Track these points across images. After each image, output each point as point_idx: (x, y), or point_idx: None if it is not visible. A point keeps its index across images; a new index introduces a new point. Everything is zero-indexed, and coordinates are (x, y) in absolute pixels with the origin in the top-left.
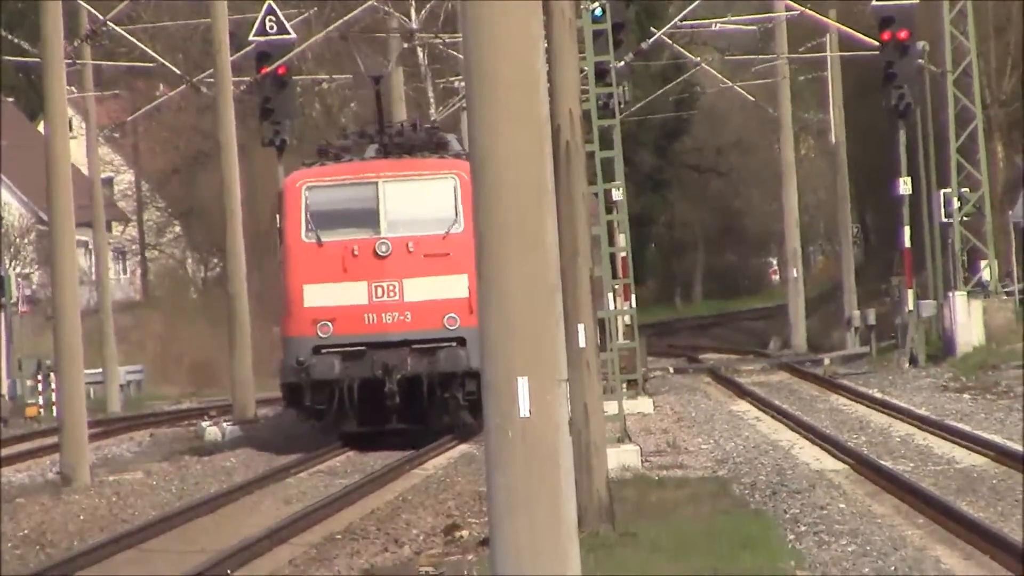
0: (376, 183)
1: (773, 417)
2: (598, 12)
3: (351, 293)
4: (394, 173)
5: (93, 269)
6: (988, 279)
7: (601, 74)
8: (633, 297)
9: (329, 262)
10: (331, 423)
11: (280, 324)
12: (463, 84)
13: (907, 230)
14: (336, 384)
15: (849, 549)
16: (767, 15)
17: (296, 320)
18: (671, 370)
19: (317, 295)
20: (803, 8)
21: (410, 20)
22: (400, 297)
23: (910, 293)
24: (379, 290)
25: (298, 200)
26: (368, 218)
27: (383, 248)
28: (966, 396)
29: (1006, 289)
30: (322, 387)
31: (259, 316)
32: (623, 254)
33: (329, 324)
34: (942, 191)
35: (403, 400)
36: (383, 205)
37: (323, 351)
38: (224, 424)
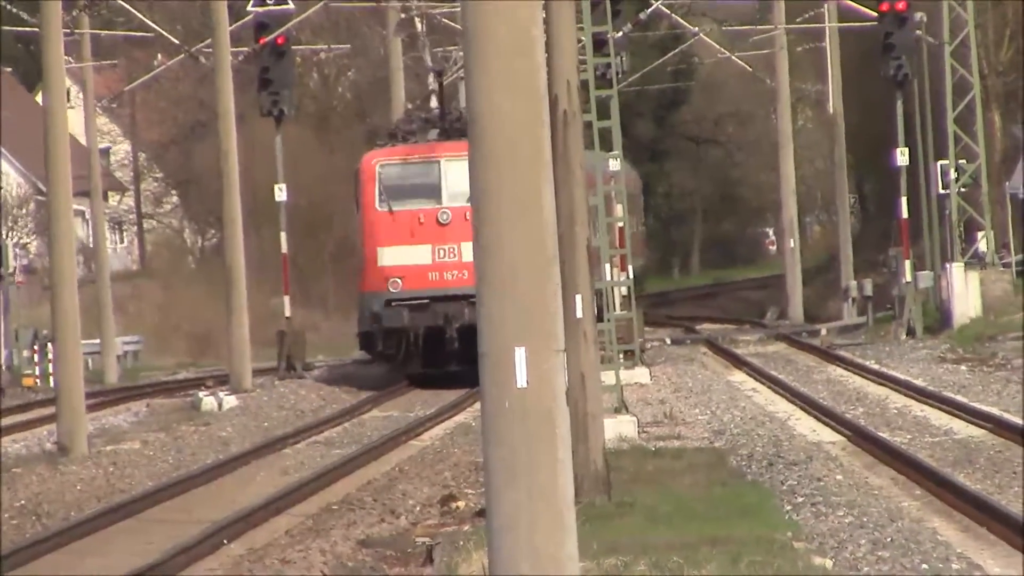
0: (438, 161)
1: (770, 388)
2: None
3: (418, 254)
4: (453, 153)
5: (91, 239)
6: (985, 250)
7: (599, 44)
8: (630, 268)
9: (399, 228)
10: (401, 363)
11: (357, 281)
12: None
13: (904, 201)
14: (404, 332)
15: (846, 520)
16: None
17: (371, 277)
18: (668, 340)
19: (389, 256)
20: None
21: None
22: (459, 258)
23: (907, 264)
24: (441, 252)
25: (373, 176)
26: (432, 191)
27: (444, 216)
28: (963, 367)
29: (1003, 260)
30: (392, 334)
31: (257, 285)
32: (620, 224)
33: (399, 280)
34: (939, 162)
35: (461, 346)
36: (444, 180)
37: (394, 304)
38: (221, 394)
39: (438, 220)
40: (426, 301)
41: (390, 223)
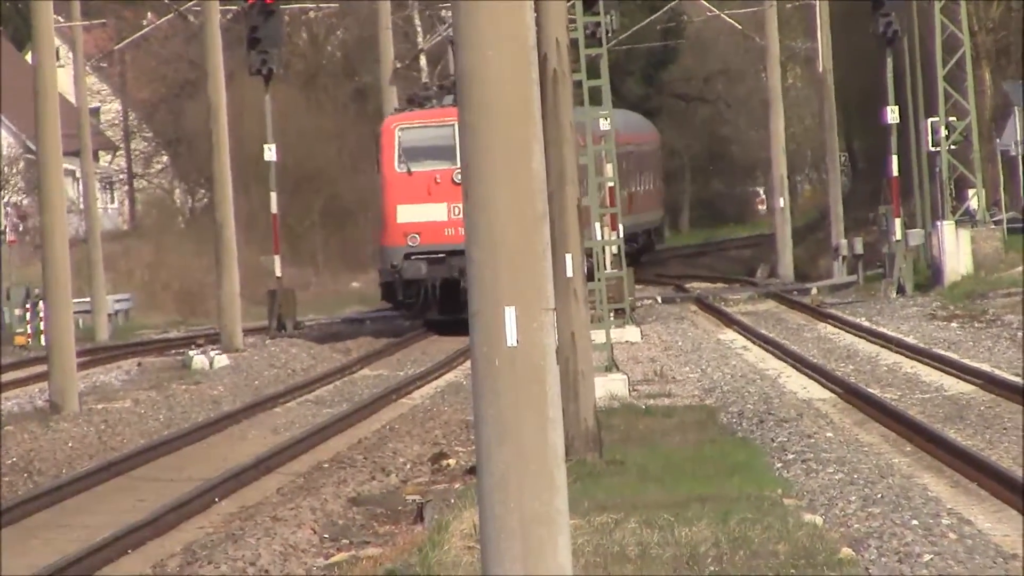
0: (453, 125)
1: (760, 346)
2: None
3: (434, 212)
4: None
5: (81, 198)
6: (976, 208)
7: (588, 3)
8: (620, 227)
9: (417, 187)
10: (419, 311)
11: (379, 237)
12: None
13: (895, 159)
14: (423, 283)
15: (836, 477)
16: None
17: (391, 233)
18: (659, 299)
19: (408, 213)
20: None
21: None
22: None
23: (898, 222)
24: (456, 210)
25: (392, 138)
26: (447, 153)
27: (459, 177)
28: (954, 324)
29: (994, 218)
30: (411, 285)
31: (246, 244)
32: (611, 184)
33: (417, 236)
34: (929, 119)
35: None
36: (459, 143)
37: (412, 257)
38: (212, 353)
39: (453, 180)
40: (442, 255)
41: (408, 182)
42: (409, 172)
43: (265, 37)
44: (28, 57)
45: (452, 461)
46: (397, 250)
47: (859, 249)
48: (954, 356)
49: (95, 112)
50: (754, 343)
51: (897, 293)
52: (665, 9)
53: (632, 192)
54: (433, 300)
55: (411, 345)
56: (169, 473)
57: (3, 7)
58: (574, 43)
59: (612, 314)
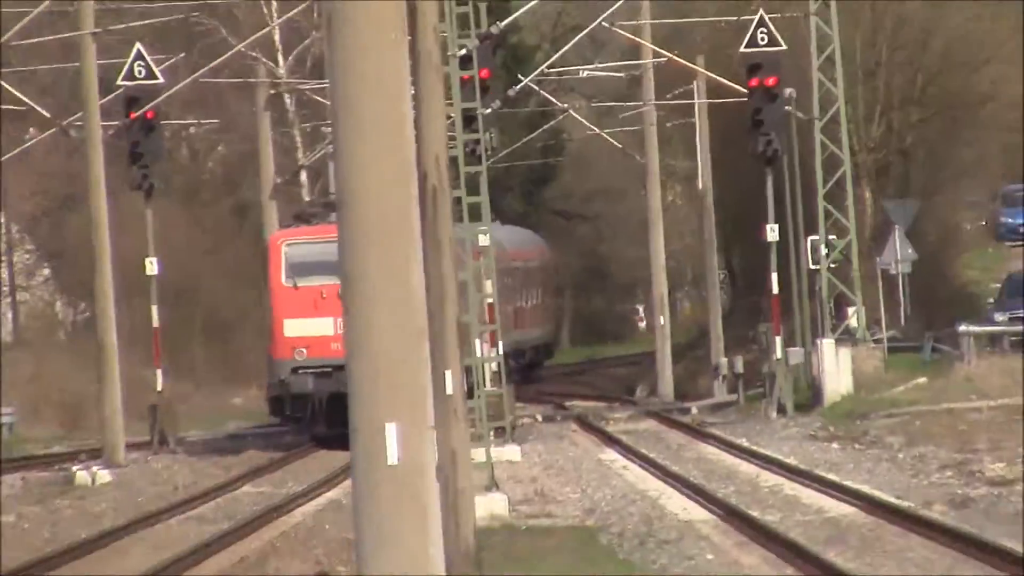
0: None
1: (641, 466)
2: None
3: (321, 326)
4: None
5: None
6: (856, 326)
7: (468, 120)
8: (500, 344)
9: (304, 302)
10: (306, 426)
11: (267, 350)
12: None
13: (775, 276)
14: (310, 397)
15: None
16: (634, 62)
17: (279, 346)
18: (539, 417)
19: (295, 327)
20: (670, 55)
21: (278, 66)
22: None
23: (778, 340)
24: (342, 324)
25: (279, 253)
26: (333, 268)
27: None
28: (835, 445)
29: (874, 336)
30: (299, 399)
31: (128, 357)
32: (490, 300)
33: (304, 350)
34: (810, 237)
35: None
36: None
37: (299, 371)
38: (95, 468)
39: (339, 295)
40: (329, 369)
41: (295, 297)
42: (296, 287)
43: (146, 152)
44: None
45: None
46: (284, 364)
47: (739, 368)
48: (835, 478)
49: None
50: (635, 463)
51: (778, 413)
52: (545, 127)
53: (519, 307)
54: (320, 414)
55: (294, 462)
56: None
57: None
58: (454, 160)
59: (492, 432)
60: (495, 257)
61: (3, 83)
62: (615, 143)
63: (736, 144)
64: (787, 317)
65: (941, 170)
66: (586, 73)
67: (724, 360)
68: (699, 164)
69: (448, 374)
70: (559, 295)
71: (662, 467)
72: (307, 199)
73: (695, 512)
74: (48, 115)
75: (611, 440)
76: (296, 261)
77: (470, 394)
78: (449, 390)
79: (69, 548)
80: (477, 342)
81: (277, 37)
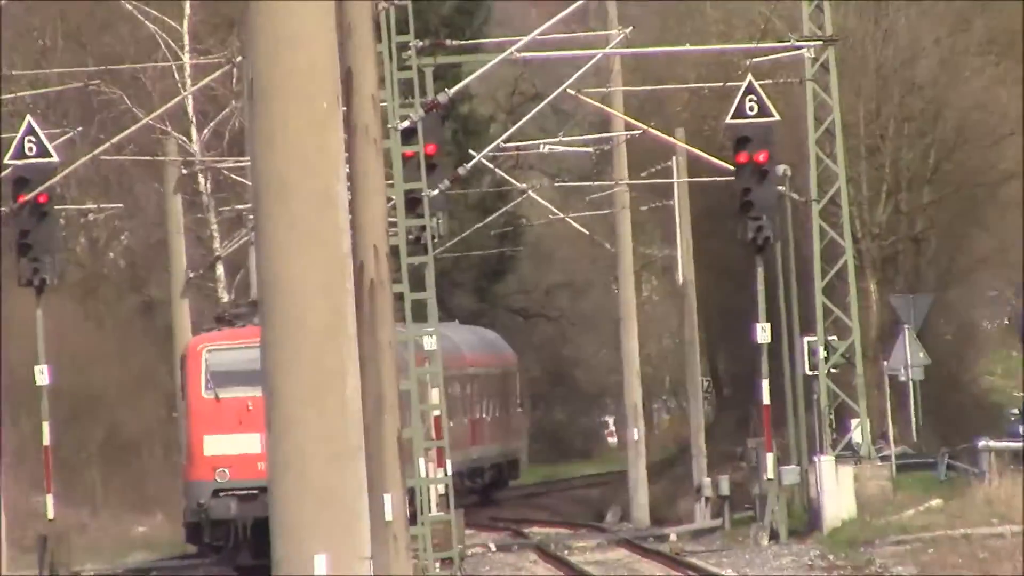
0: None
1: None
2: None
3: (246, 443)
4: None
5: None
6: (860, 441)
7: (412, 204)
8: (448, 463)
9: (226, 416)
10: (227, 557)
11: (183, 470)
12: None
13: (766, 383)
14: (232, 523)
15: None
16: (604, 135)
17: (197, 466)
18: (492, 547)
19: (216, 445)
20: (646, 127)
21: (190, 141)
22: None
23: (770, 457)
24: None
25: (198, 361)
26: (260, 377)
27: None
28: None
29: (881, 453)
30: (220, 525)
31: (15, 480)
32: (436, 413)
33: (226, 471)
34: (806, 339)
35: None
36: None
37: (221, 494)
38: None
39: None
40: (255, 492)
41: (217, 410)
42: (217, 399)
43: (37, 242)
44: None
45: None
46: (204, 486)
47: (725, 489)
48: None
49: None
50: None
51: (769, 540)
52: (501, 212)
53: (478, 420)
54: (245, 542)
55: None
56: None
57: None
58: (395, 250)
59: (439, 564)
60: (449, 362)
61: None
62: (581, 229)
63: (721, 230)
64: (780, 430)
65: (956, 260)
66: (548, 148)
67: (707, 480)
68: (679, 253)
69: (387, 497)
70: (524, 405)
71: None
72: (224, 297)
73: None
74: None
75: (576, 572)
76: (218, 370)
77: (413, 520)
78: (388, 516)
79: None
80: (421, 461)
81: (190, 107)
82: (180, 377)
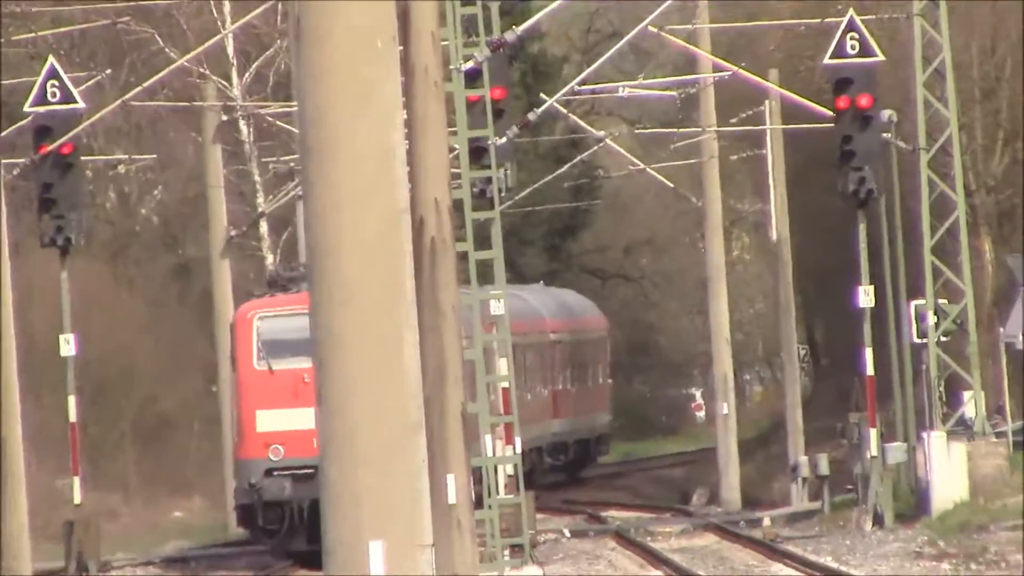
0: None
1: None
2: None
3: (301, 419)
4: None
5: None
6: (973, 415)
7: (477, 153)
8: (518, 440)
9: (280, 389)
10: (283, 540)
11: (233, 447)
12: (299, 167)
13: (869, 352)
14: (287, 505)
15: None
16: (689, 77)
17: (248, 444)
18: (566, 532)
19: (269, 420)
20: (735, 68)
21: (230, 86)
22: None
23: (873, 433)
24: None
25: (249, 330)
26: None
27: None
28: (945, 566)
29: (996, 429)
30: (274, 507)
31: (38, 462)
32: (505, 384)
33: (280, 448)
34: (914, 303)
35: None
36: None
37: (275, 473)
38: None
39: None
40: (311, 471)
41: (270, 383)
42: (270, 370)
43: (61, 197)
44: None
45: None
46: (256, 464)
47: (824, 468)
48: None
49: None
50: None
51: (873, 524)
52: (575, 162)
53: (559, 391)
54: (300, 526)
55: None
56: None
57: None
58: (458, 205)
59: (507, 551)
60: (528, 327)
61: None
62: (664, 181)
63: (819, 182)
64: (885, 404)
65: None
66: (627, 92)
67: (804, 459)
68: (772, 207)
69: (450, 479)
70: (613, 374)
71: None
72: (269, 257)
73: None
74: None
75: (659, 560)
76: (271, 339)
77: (479, 504)
78: (452, 499)
79: None
80: (488, 438)
81: (230, 47)
82: (230, 347)
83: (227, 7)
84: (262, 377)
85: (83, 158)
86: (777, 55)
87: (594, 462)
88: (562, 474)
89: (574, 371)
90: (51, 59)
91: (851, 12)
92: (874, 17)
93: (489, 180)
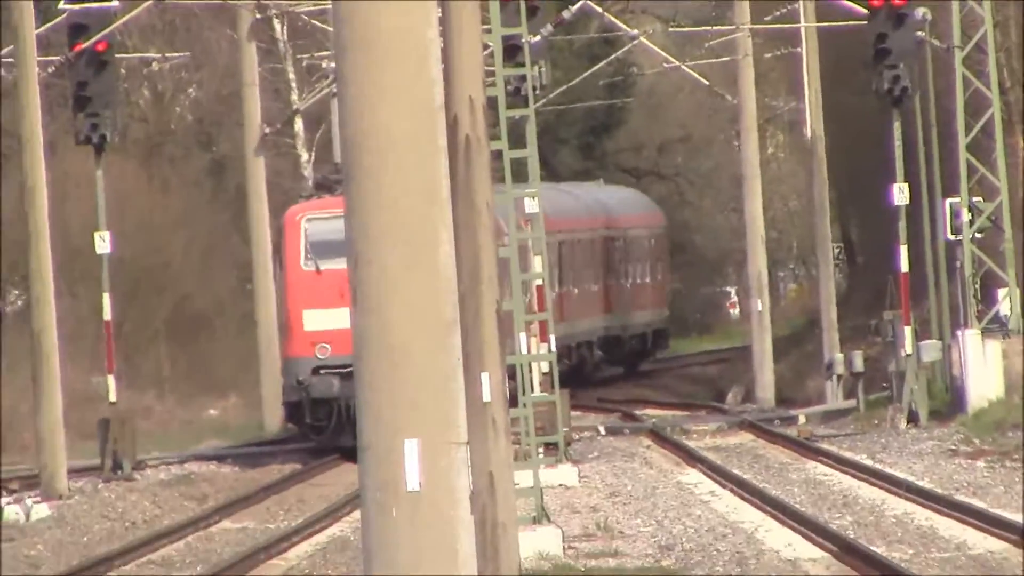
0: None
1: (733, 491)
2: None
3: (348, 318)
4: None
5: None
6: (1008, 313)
7: (511, 51)
8: (552, 338)
9: (327, 289)
10: (331, 435)
11: (281, 346)
12: (333, 63)
13: (904, 250)
14: (335, 402)
15: None
16: None
17: (296, 342)
18: (602, 430)
19: (316, 319)
20: None
21: None
22: None
23: (908, 331)
24: None
25: (297, 231)
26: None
27: None
28: (980, 464)
29: None
30: (322, 404)
31: (72, 359)
32: (539, 282)
33: (327, 346)
34: (948, 200)
35: None
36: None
37: (322, 371)
38: (28, 500)
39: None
40: None
41: (317, 283)
42: (318, 271)
43: (96, 96)
44: None
45: None
46: (304, 363)
47: (858, 366)
48: (981, 505)
49: None
50: (724, 487)
51: (908, 422)
52: (610, 59)
53: (610, 285)
54: (347, 422)
55: (285, 490)
56: None
57: None
58: (493, 102)
59: (542, 449)
60: (576, 224)
61: None
62: (699, 78)
63: (854, 80)
64: (919, 302)
65: None
66: None
67: (839, 356)
68: (807, 105)
69: (485, 377)
70: (672, 269)
71: (760, 492)
72: (304, 155)
73: (802, 549)
74: None
75: (694, 458)
76: (318, 240)
77: (514, 402)
78: (486, 397)
79: None
80: (522, 336)
81: None
82: (279, 248)
83: None
84: (309, 277)
85: (117, 56)
86: None
87: (652, 356)
88: (619, 368)
89: (629, 267)
90: None
91: None
92: None
93: (523, 78)
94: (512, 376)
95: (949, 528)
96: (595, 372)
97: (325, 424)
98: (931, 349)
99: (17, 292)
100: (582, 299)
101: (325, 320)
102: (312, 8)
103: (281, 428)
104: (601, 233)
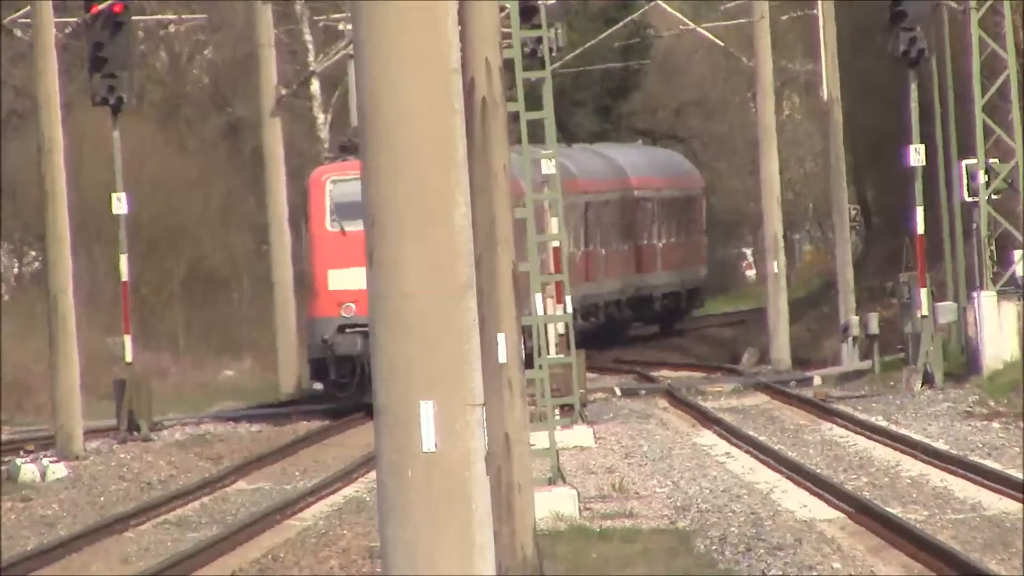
0: None
1: (748, 452)
2: None
3: None
4: None
5: None
6: None
7: (528, 13)
8: (568, 299)
9: (352, 249)
10: (355, 393)
11: (307, 305)
12: (350, 25)
13: (920, 211)
14: (359, 360)
15: None
16: None
17: (322, 302)
18: (617, 391)
19: (341, 279)
20: None
21: None
22: None
23: (923, 292)
24: None
25: (322, 192)
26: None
27: None
28: (995, 425)
29: None
30: (345, 362)
31: (89, 320)
32: (556, 244)
33: (352, 305)
34: (964, 162)
35: None
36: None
37: (347, 330)
38: (45, 461)
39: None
40: None
41: (342, 244)
42: (343, 231)
43: (113, 57)
44: None
45: None
46: (329, 322)
47: (874, 328)
48: (996, 466)
49: None
50: (740, 448)
51: (923, 384)
52: (626, 22)
53: (642, 246)
54: (370, 380)
55: (301, 451)
56: None
57: None
58: (509, 64)
59: (558, 411)
60: (605, 185)
61: None
62: (716, 40)
63: (870, 42)
64: (935, 264)
65: None
66: None
67: (855, 318)
68: (823, 68)
69: (501, 338)
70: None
71: (775, 453)
72: (320, 116)
73: (817, 510)
74: None
75: (710, 420)
76: (343, 201)
77: (529, 363)
78: (502, 358)
79: (10, 563)
80: (538, 297)
81: None
82: (304, 209)
83: None
84: (334, 238)
85: (134, 17)
86: None
87: (687, 315)
88: (654, 326)
89: (661, 227)
90: None
91: None
92: None
93: (540, 40)
94: (528, 337)
95: (964, 489)
96: (623, 331)
97: (348, 381)
98: (947, 311)
99: (34, 253)
100: (610, 259)
101: (350, 280)
102: None
103: (295, 390)
104: (633, 194)
